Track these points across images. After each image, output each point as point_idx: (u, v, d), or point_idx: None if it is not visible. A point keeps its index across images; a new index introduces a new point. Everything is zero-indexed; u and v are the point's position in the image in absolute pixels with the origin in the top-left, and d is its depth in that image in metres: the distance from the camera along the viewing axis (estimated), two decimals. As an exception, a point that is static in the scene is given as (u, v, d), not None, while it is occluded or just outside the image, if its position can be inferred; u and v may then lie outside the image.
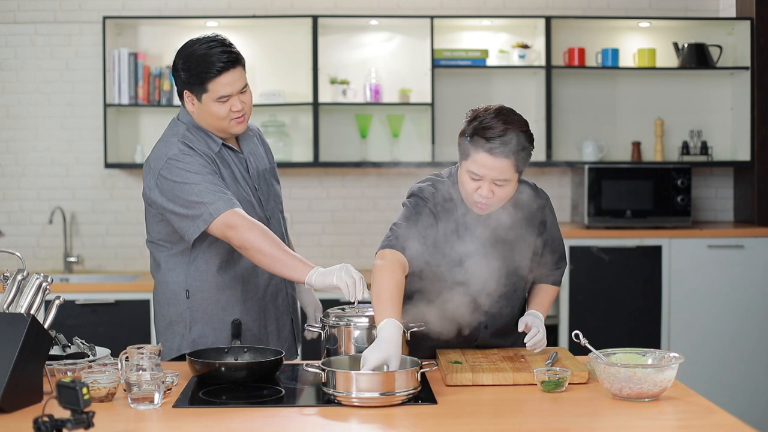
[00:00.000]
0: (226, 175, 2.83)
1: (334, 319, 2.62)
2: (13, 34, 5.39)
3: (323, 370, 2.35)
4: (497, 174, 2.52)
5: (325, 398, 2.36)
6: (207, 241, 2.80)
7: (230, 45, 2.80)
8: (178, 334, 2.87)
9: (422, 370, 2.40)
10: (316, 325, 2.71)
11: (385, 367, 2.34)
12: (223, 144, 2.85)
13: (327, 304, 3.00)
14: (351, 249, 5.39)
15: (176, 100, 5.23)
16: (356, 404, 2.29)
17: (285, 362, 2.76)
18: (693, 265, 4.99)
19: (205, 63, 2.75)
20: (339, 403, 2.32)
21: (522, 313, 2.86)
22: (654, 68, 5.35)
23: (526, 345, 2.66)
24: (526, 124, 2.58)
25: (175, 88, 5.10)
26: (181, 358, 2.83)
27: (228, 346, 2.70)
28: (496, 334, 2.83)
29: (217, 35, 2.82)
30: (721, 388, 4.91)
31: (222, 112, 2.77)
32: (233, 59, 2.77)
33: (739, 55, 5.40)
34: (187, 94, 2.82)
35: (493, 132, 2.50)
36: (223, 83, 2.75)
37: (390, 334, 2.38)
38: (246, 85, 2.82)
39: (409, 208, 2.70)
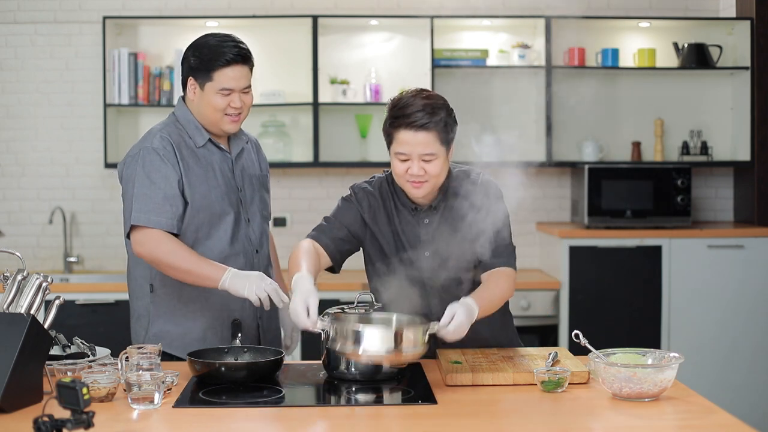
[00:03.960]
0: (198, 173, 2.83)
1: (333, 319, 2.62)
2: (13, 34, 5.39)
3: (330, 319, 2.41)
4: (422, 148, 2.57)
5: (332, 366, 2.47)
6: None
7: (243, 43, 2.85)
8: (143, 328, 2.90)
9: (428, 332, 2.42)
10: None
11: (394, 324, 2.44)
12: (210, 140, 2.87)
13: (327, 304, 3.00)
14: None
15: (176, 100, 5.21)
16: (363, 359, 2.36)
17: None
18: (693, 265, 4.99)
19: (216, 52, 2.80)
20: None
21: (502, 335, 2.85)
22: (654, 68, 5.35)
23: (442, 330, 2.44)
24: (443, 99, 2.65)
25: (175, 89, 5.20)
26: None
27: (228, 346, 2.70)
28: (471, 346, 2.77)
29: (231, 34, 2.88)
30: (721, 388, 4.91)
31: (221, 105, 2.81)
32: (243, 55, 2.82)
33: (739, 55, 5.40)
34: (191, 81, 2.85)
35: (411, 108, 2.58)
36: (229, 75, 2.79)
37: (302, 283, 2.45)
38: (249, 87, 2.86)
39: (340, 203, 2.79)
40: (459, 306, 2.47)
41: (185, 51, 2.88)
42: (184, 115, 2.88)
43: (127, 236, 2.82)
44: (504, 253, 2.72)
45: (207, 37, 2.86)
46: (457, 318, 2.44)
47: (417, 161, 2.59)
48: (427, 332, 2.41)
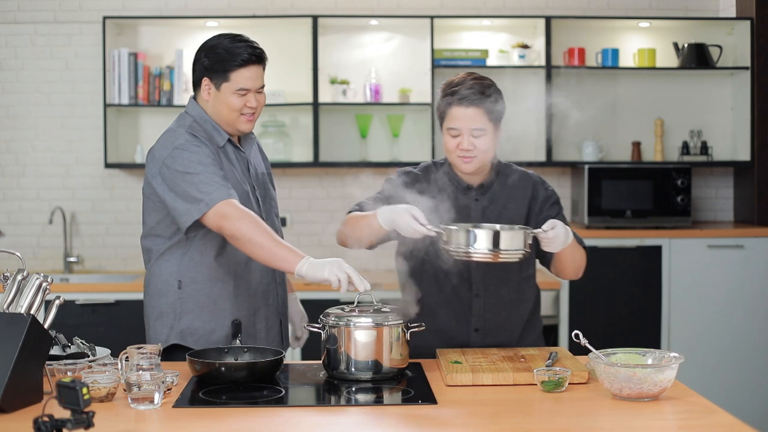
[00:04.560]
0: (227, 169, 2.86)
1: (334, 319, 2.62)
2: (13, 34, 5.39)
3: (442, 229, 2.57)
4: (471, 123, 2.73)
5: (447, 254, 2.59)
6: (202, 232, 2.82)
7: (256, 43, 2.88)
8: (166, 326, 2.87)
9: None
10: (316, 325, 2.70)
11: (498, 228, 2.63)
12: (228, 140, 2.90)
13: (327, 303, 3.00)
14: (351, 249, 5.38)
15: (176, 100, 5.23)
16: (474, 258, 2.54)
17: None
18: (693, 265, 4.99)
19: (231, 53, 2.82)
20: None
21: (527, 325, 2.91)
22: (654, 68, 5.35)
23: (541, 233, 2.61)
24: (492, 80, 2.82)
25: (175, 89, 5.20)
26: (168, 349, 2.84)
27: (228, 346, 2.70)
28: (492, 342, 2.85)
29: (242, 34, 2.91)
30: (720, 387, 4.91)
31: (237, 105, 2.83)
32: (258, 55, 2.86)
33: (739, 55, 5.40)
34: (205, 81, 2.86)
35: (462, 87, 2.74)
36: (245, 76, 2.82)
37: (393, 207, 2.62)
38: (263, 87, 2.89)
39: (383, 184, 2.89)
40: (559, 222, 2.64)
41: (197, 52, 2.90)
42: (200, 116, 2.89)
43: (146, 233, 2.87)
44: (578, 236, 2.84)
45: (220, 38, 2.88)
46: (557, 228, 2.60)
47: (467, 136, 2.74)
48: (530, 234, 2.59)
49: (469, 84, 2.74)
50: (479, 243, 2.54)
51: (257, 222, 2.67)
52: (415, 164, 2.97)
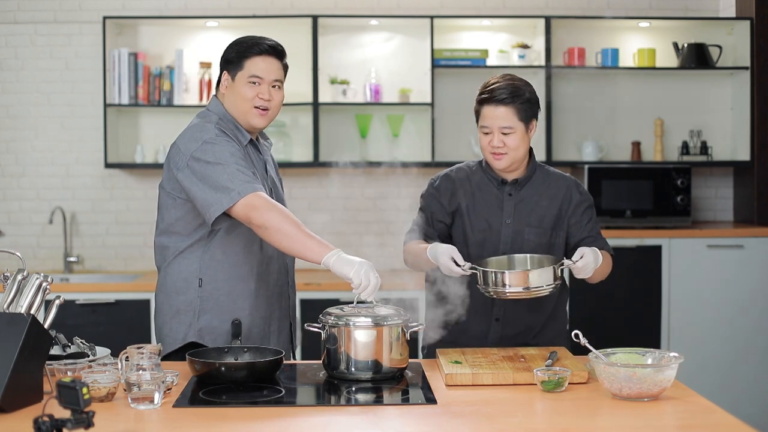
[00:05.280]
0: (251, 167, 2.87)
1: (333, 318, 2.62)
2: (13, 34, 5.39)
3: (477, 269, 2.75)
4: (501, 121, 2.86)
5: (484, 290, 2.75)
6: (223, 229, 2.82)
7: (280, 44, 2.97)
8: (184, 324, 2.86)
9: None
10: (316, 325, 2.71)
11: (528, 265, 2.83)
12: (250, 140, 2.92)
13: (326, 303, 3.00)
14: (351, 249, 5.36)
15: (176, 100, 5.23)
16: (509, 297, 2.73)
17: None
18: (693, 265, 4.99)
19: (250, 44, 2.90)
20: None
21: (549, 320, 3.00)
22: (654, 68, 5.35)
23: (571, 265, 2.77)
24: (527, 82, 2.94)
25: (175, 89, 5.20)
26: (185, 347, 2.83)
27: (228, 346, 2.70)
28: (511, 333, 2.94)
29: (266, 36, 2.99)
30: (720, 387, 4.91)
31: (249, 94, 2.86)
32: (277, 48, 2.94)
33: (739, 55, 5.40)
34: (224, 75, 2.92)
35: (494, 87, 2.89)
36: (259, 65, 2.88)
37: (438, 245, 2.82)
38: (280, 83, 2.94)
39: (421, 200, 3.07)
40: (587, 248, 2.80)
41: (224, 50, 2.96)
42: (223, 114, 2.91)
43: (163, 231, 2.88)
44: (603, 240, 3.04)
45: (245, 36, 2.97)
46: (586, 257, 2.76)
47: (497, 134, 2.88)
48: (560, 268, 2.75)
49: (502, 85, 2.88)
50: (512, 283, 2.71)
51: (286, 213, 2.68)
52: (451, 164, 3.16)
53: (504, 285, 2.71)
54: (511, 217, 2.95)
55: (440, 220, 2.98)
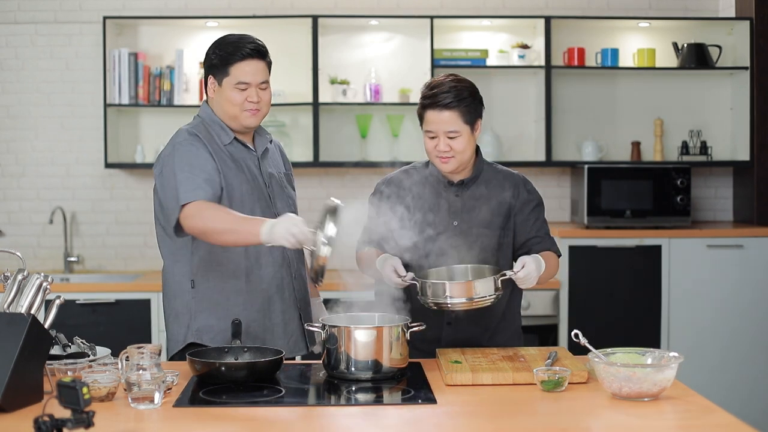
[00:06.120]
0: (231, 166, 2.88)
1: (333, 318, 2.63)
2: (14, 34, 5.39)
3: (418, 281, 2.72)
4: (446, 126, 2.83)
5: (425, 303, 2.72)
6: None
7: (260, 41, 2.94)
8: (183, 325, 2.89)
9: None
10: (316, 325, 2.71)
11: (469, 276, 2.80)
12: (235, 138, 2.93)
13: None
14: (351, 249, 5.38)
15: (176, 100, 5.24)
16: (450, 308, 2.70)
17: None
18: (692, 265, 4.99)
19: (233, 48, 2.89)
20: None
21: (502, 321, 2.96)
22: (653, 68, 5.36)
23: (512, 275, 2.74)
24: (469, 82, 2.89)
25: (175, 89, 5.20)
26: (186, 348, 2.84)
27: (228, 346, 2.70)
28: (463, 336, 2.90)
29: (249, 34, 2.97)
30: (720, 387, 4.91)
31: (238, 99, 2.87)
32: (259, 50, 2.91)
33: (739, 55, 5.40)
34: (210, 79, 2.93)
35: (436, 90, 2.84)
36: (245, 70, 2.86)
37: (385, 257, 2.82)
38: (267, 83, 2.93)
39: (368, 204, 3.01)
40: (529, 257, 2.76)
41: (206, 53, 2.96)
42: (208, 116, 2.94)
43: (158, 235, 2.92)
44: (550, 240, 2.99)
45: (225, 36, 2.95)
46: (527, 266, 2.73)
47: (443, 138, 2.84)
48: (501, 279, 2.72)
49: (446, 88, 2.83)
50: (452, 294, 2.68)
51: (217, 210, 2.69)
52: (406, 163, 3.11)
53: (444, 296, 2.68)
54: (459, 219, 2.91)
55: (387, 224, 2.89)
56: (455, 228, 2.90)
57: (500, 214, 2.93)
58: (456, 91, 2.83)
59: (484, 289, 2.69)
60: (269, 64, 2.94)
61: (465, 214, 2.92)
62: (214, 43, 2.94)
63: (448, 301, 2.68)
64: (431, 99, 2.84)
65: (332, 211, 2.56)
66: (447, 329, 2.91)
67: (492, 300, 2.72)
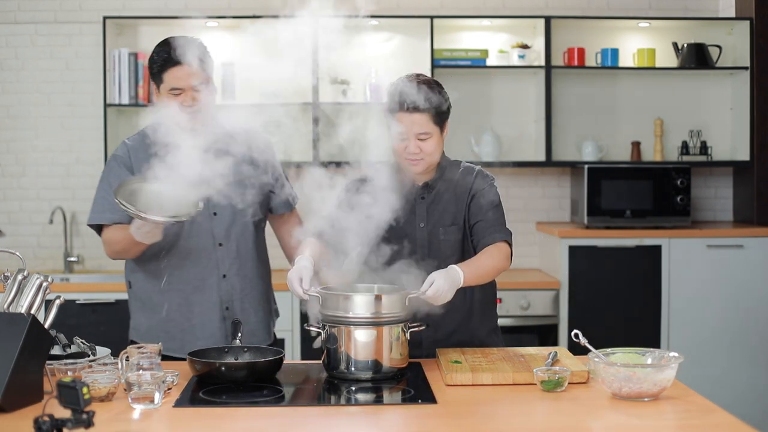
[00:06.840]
0: (170, 165, 2.85)
1: (333, 318, 2.63)
2: (14, 34, 5.39)
3: (319, 293, 2.61)
4: (417, 127, 2.79)
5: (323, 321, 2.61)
6: None
7: (187, 43, 2.96)
8: (129, 326, 3.09)
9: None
10: (316, 325, 2.71)
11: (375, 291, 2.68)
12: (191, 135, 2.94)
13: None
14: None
15: (176, 100, 5.23)
16: (352, 322, 2.55)
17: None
18: (692, 265, 4.99)
19: (161, 60, 2.96)
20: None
21: (481, 317, 2.94)
22: (653, 68, 5.36)
23: (421, 295, 2.59)
24: (436, 82, 2.85)
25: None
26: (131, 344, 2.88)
27: (228, 346, 2.71)
28: (442, 336, 2.87)
29: (173, 37, 2.99)
30: (720, 387, 4.91)
31: (174, 103, 2.95)
32: (185, 55, 2.93)
33: (739, 55, 5.40)
34: (153, 87, 3.07)
35: (405, 92, 2.79)
36: (174, 76, 2.95)
37: (299, 260, 2.71)
38: (202, 84, 2.96)
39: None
40: (438, 273, 2.61)
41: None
42: (159, 119, 2.99)
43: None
44: (498, 229, 2.86)
45: (162, 42, 2.99)
46: (436, 284, 2.57)
47: (413, 140, 2.80)
48: (407, 297, 2.60)
49: (414, 89, 2.79)
50: (357, 308, 2.56)
51: (119, 230, 2.92)
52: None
53: (345, 310, 2.56)
54: (425, 220, 2.88)
55: (345, 226, 2.83)
56: (422, 230, 2.87)
57: (462, 209, 2.89)
58: (426, 93, 2.79)
59: (388, 307, 2.56)
60: (203, 62, 2.96)
61: (430, 216, 2.89)
62: (153, 49, 2.99)
63: (349, 316, 2.55)
64: (401, 101, 2.79)
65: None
66: (426, 330, 2.81)
67: (398, 319, 2.58)
